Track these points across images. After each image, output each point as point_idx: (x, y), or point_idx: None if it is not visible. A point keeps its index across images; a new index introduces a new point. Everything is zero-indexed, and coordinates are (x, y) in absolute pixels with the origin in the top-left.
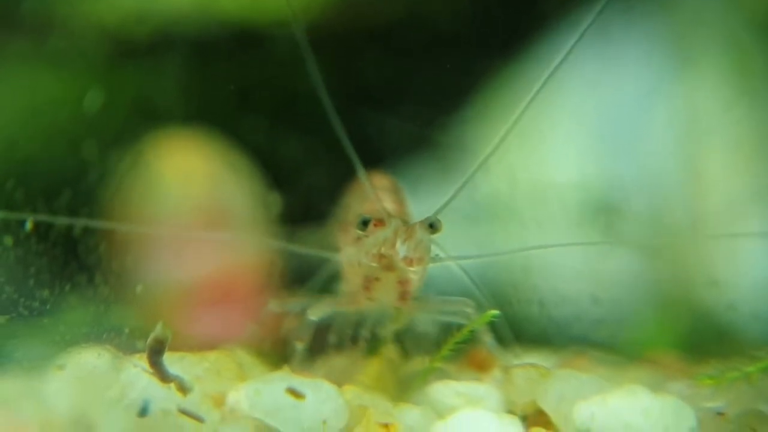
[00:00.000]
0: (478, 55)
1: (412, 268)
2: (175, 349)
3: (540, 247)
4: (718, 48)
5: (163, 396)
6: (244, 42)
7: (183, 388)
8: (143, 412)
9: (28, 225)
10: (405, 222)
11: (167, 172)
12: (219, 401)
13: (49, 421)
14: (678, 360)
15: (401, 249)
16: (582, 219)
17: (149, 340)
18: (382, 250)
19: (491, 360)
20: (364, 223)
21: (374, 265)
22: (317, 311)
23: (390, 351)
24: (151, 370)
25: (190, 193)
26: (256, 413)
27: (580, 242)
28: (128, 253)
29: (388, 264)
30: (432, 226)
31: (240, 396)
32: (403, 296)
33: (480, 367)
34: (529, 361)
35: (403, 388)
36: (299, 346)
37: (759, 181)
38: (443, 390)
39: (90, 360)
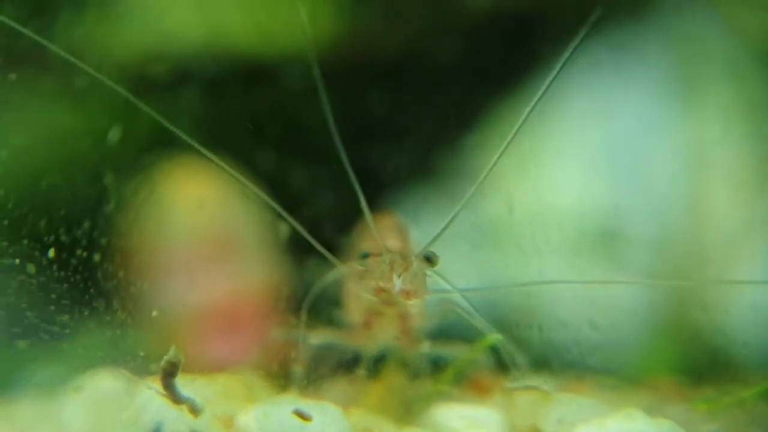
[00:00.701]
0: (479, 87)
1: (410, 302)
2: (186, 371)
3: (539, 283)
4: (721, 79)
5: (175, 418)
6: (252, 75)
7: (194, 410)
8: None
9: (51, 253)
10: (402, 256)
11: (179, 200)
12: (228, 423)
13: None
14: (675, 384)
15: (397, 282)
16: (583, 246)
17: (162, 363)
18: (380, 283)
19: (493, 383)
20: (364, 258)
21: (373, 299)
22: (317, 337)
23: (394, 375)
24: (164, 392)
25: (200, 221)
26: None
27: (580, 281)
28: (143, 280)
29: (387, 298)
30: (428, 260)
31: (249, 418)
32: (404, 332)
33: (482, 390)
34: (531, 383)
35: (406, 411)
36: (298, 369)
37: (761, 212)
38: (446, 413)
39: (106, 383)
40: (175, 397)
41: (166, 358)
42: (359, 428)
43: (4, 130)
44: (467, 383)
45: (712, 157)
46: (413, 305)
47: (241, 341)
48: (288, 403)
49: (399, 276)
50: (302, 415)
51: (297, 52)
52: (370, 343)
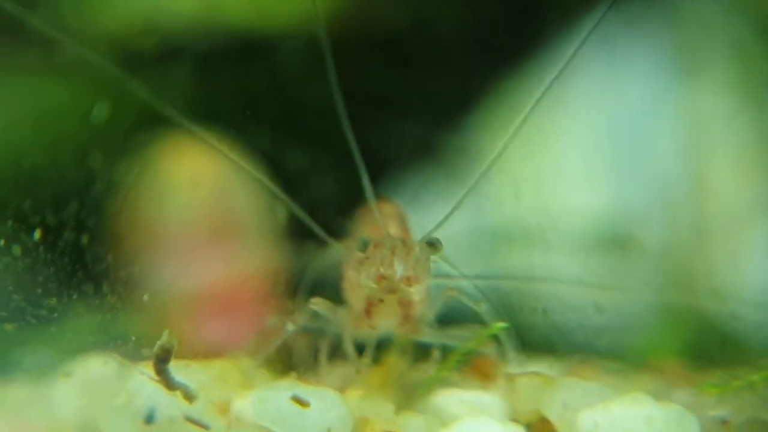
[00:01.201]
0: (484, 63)
1: (411, 289)
2: (180, 357)
3: (544, 280)
4: (724, 57)
5: (168, 403)
6: (249, 50)
7: (189, 396)
8: (149, 419)
9: (37, 234)
10: (403, 241)
11: (172, 179)
12: (224, 409)
13: (57, 428)
14: (682, 368)
15: (399, 268)
16: (589, 232)
17: (155, 348)
18: (381, 270)
19: (495, 369)
20: (364, 245)
21: (374, 286)
22: (310, 320)
23: (395, 360)
24: (157, 378)
25: (195, 200)
26: (261, 421)
27: (584, 283)
28: (135, 262)
29: (388, 286)
30: (431, 246)
31: (245, 404)
32: (405, 319)
33: (484, 375)
34: (533, 369)
35: (407, 397)
36: (297, 352)
37: (763, 189)
38: (447, 398)
39: (97, 368)
40: (168, 382)
41: (158, 343)
42: (358, 414)
43: None
44: (469, 369)
45: (715, 137)
46: (415, 292)
47: (237, 326)
48: (285, 388)
49: (401, 262)
50: (300, 401)
51: (294, 27)
52: (370, 332)
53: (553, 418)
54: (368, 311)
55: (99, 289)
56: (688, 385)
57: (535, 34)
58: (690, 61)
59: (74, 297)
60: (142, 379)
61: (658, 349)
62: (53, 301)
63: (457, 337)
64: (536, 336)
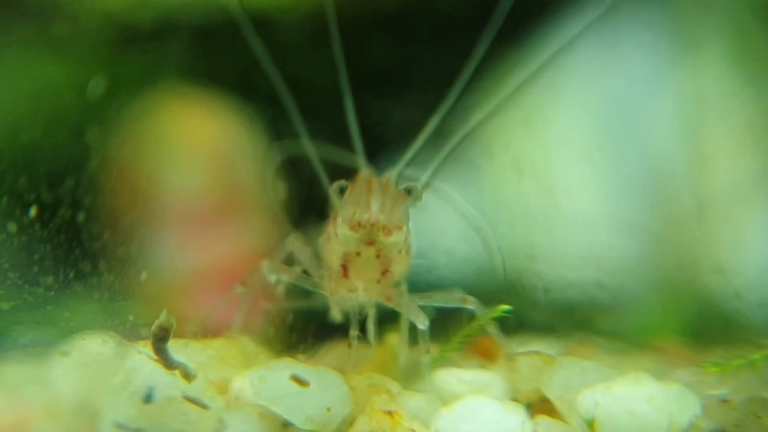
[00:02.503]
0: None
1: (389, 239)
2: (179, 335)
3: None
4: (723, 34)
5: (167, 383)
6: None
7: (187, 375)
8: (148, 399)
9: (32, 211)
10: (380, 184)
11: (170, 155)
12: (223, 388)
13: (54, 407)
14: (683, 347)
15: (374, 206)
16: (586, 207)
17: (153, 327)
18: (356, 214)
19: (496, 348)
20: (341, 190)
21: (350, 232)
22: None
23: (395, 339)
24: (155, 357)
25: (193, 176)
26: (260, 400)
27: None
28: (133, 240)
29: (365, 235)
30: (410, 192)
31: (244, 383)
32: (384, 275)
33: (485, 355)
34: (534, 348)
35: (408, 376)
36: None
37: (765, 166)
38: (448, 378)
39: (94, 347)
40: (167, 362)
41: (157, 322)
42: (358, 393)
43: None
44: (470, 348)
45: (716, 114)
46: (393, 243)
47: (236, 304)
48: (284, 367)
49: (377, 203)
50: (300, 380)
51: (291, 3)
52: (348, 297)
53: (553, 397)
54: (345, 268)
55: (96, 268)
56: (689, 365)
57: (537, 12)
58: (690, 39)
59: (71, 275)
60: (141, 358)
61: (659, 328)
62: (50, 279)
63: (438, 300)
64: (537, 315)
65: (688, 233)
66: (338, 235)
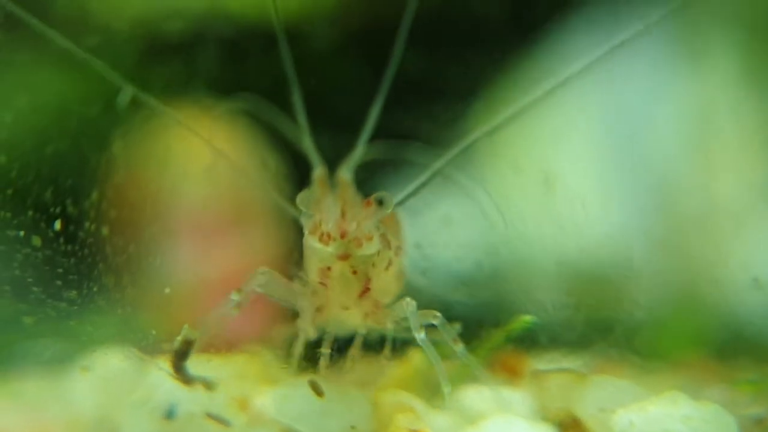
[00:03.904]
0: (486, 50)
1: (361, 250)
2: (199, 349)
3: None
4: (731, 41)
5: (189, 399)
6: (253, 39)
7: (209, 386)
8: (169, 415)
9: (57, 225)
10: (346, 196)
11: (192, 167)
12: (244, 405)
13: (74, 422)
14: (709, 363)
15: (333, 214)
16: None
17: (176, 342)
18: (323, 226)
19: (522, 365)
20: (307, 200)
21: (320, 246)
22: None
23: (419, 356)
24: (174, 374)
25: (213, 189)
26: (283, 418)
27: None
28: (156, 254)
29: (336, 248)
30: (380, 202)
31: (267, 400)
32: (365, 293)
33: (511, 371)
34: (561, 365)
35: (431, 393)
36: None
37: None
38: (473, 395)
39: (116, 362)
40: (185, 378)
41: (179, 337)
42: (382, 411)
43: (9, 92)
44: (495, 364)
45: (721, 123)
46: (366, 257)
47: (255, 317)
48: (306, 384)
49: (342, 214)
50: (316, 388)
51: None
52: (330, 315)
53: (584, 416)
54: (323, 283)
55: (120, 282)
56: (718, 382)
57: (540, 22)
58: (697, 47)
59: (94, 289)
60: (162, 374)
61: (680, 343)
62: (73, 293)
63: (417, 326)
64: (550, 332)
65: (699, 244)
66: (308, 248)
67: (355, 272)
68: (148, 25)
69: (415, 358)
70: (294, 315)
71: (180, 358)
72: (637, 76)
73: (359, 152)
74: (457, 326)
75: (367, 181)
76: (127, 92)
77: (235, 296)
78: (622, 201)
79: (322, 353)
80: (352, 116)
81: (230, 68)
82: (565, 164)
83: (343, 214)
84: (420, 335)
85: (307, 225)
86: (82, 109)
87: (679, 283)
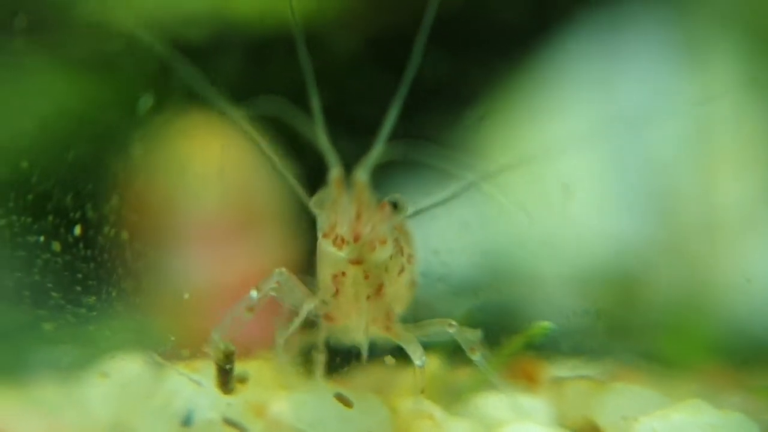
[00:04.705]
0: (487, 57)
1: (375, 255)
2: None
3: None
4: (733, 47)
5: (207, 405)
6: (270, 45)
7: (242, 380)
8: (186, 422)
9: (77, 230)
10: (360, 196)
11: (210, 171)
12: (261, 411)
13: (91, 428)
14: (723, 369)
15: (347, 216)
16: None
17: (215, 357)
18: (337, 229)
19: (540, 371)
20: (320, 202)
21: (332, 249)
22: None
23: (435, 362)
24: (221, 390)
25: (229, 193)
26: (300, 424)
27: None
28: (175, 259)
29: (349, 252)
30: (395, 206)
31: (284, 406)
32: (376, 296)
33: (528, 378)
34: (582, 373)
35: (450, 400)
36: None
37: None
38: (491, 402)
39: (134, 368)
40: (228, 390)
41: (218, 353)
42: (400, 417)
43: (30, 98)
44: (512, 371)
45: (722, 131)
46: (380, 263)
47: (268, 321)
48: (325, 391)
49: (356, 215)
50: (344, 400)
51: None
52: (342, 323)
53: (604, 424)
54: (336, 289)
55: (139, 287)
56: (736, 388)
57: (540, 26)
58: (699, 53)
59: (114, 295)
60: (181, 380)
61: (691, 349)
62: (92, 299)
63: (438, 331)
64: (589, 340)
65: (705, 250)
66: (321, 252)
67: (367, 277)
68: (168, 32)
69: (432, 365)
70: (308, 322)
71: (225, 373)
72: (638, 84)
73: (377, 152)
74: (479, 333)
75: (382, 184)
76: (147, 99)
77: (253, 294)
78: (625, 207)
79: (319, 359)
80: (368, 121)
81: (248, 73)
82: (573, 171)
83: (357, 216)
84: (475, 357)
85: (321, 227)
86: (103, 114)
87: (687, 289)
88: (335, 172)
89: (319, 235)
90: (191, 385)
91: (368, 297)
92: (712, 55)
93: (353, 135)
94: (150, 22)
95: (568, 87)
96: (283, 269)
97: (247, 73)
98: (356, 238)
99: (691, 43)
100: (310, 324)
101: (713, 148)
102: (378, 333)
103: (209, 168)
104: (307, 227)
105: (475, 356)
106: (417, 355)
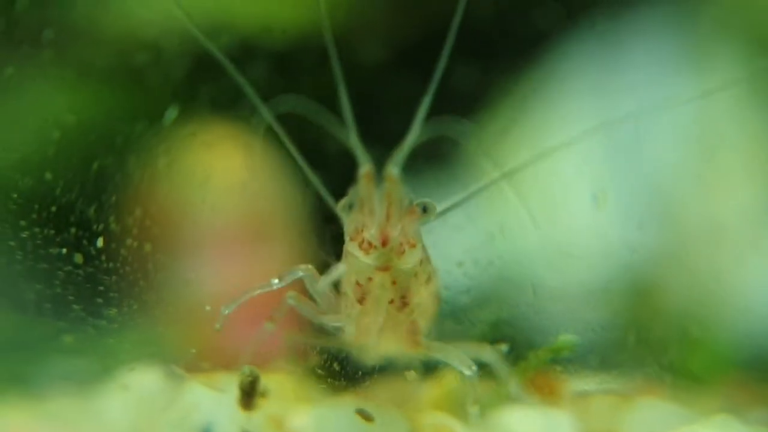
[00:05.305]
0: (492, 63)
1: (403, 260)
2: (227, 367)
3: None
4: (736, 55)
5: (226, 418)
6: (298, 52)
7: (264, 394)
8: None
9: (100, 242)
10: (390, 199)
11: (230, 182)
12: (280, 424)
13: None
14: (747, 383)
15: (378, 215)
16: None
17: (240, 382)
18: (364, 233)
19: (563, 385)
20: (349, 205)
21: (359, 253)
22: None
23: (451, 376)
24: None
25: (246, 204)
26: None
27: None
28: (196, 272)
29: (377, 257)
30: (424, 209)
31: (304, 420)
32: (402, 306)
33: (550, 392)
34: (607, 387)
35: (468, 414)
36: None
37: None
38: (513, 416)
39: (153, 380)
40: (250, 407)
41: (244, 379)
42: (421, 431)
43: (56, 110)
44: (534, 385)
45: (724, 136)
46: (408, 270)
47: (284, 332)
48: (345, 404)
49: (385, 216)
50: (365, 415)
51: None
52: (367, 339)
53: None
54: (361, 297)
55: (160, 299)
56: (759, 403)
57: (541, 35)
58: (702, 60)
59: (135, 307)
60: (200, 392)
61: (707, 361)
62: (113, 311)
63: (463, 349)
64: (597, 355)
65: (695, 257)
66: (349, 258)
67: (394, 282)
68: (196, 41)
69: (448, 378)
70: (323, 331)
71: (249, 395)
72: (640, 86)
73: (409, 145)
74: (504, 347)
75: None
76: (172, 111)
77: (275, 281)
78: (635, 217)
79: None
80: (397, 126)
81: (272, 82)
82: (564, 176)
83: (388, 217)
84: (514, 389)
85: (347, 231)
86: (127, 126)
87: (704, 301)
88: (366, 167)
89: (346, 238)
90: (211, 398)
91: (392, 302)
92: (714, 62)
93: (375, 141)
94: (177, 32)
95: (569, 95)
96: (308, 265)
97: (271, 81)
98: (385, 241)
99: (692, 50)
100: (326, 332)
101: (717, 156)
102: (404, 351)
103: (231, 180)
104: (326, 239)
105: (511, 385)
106: (465, 365)
